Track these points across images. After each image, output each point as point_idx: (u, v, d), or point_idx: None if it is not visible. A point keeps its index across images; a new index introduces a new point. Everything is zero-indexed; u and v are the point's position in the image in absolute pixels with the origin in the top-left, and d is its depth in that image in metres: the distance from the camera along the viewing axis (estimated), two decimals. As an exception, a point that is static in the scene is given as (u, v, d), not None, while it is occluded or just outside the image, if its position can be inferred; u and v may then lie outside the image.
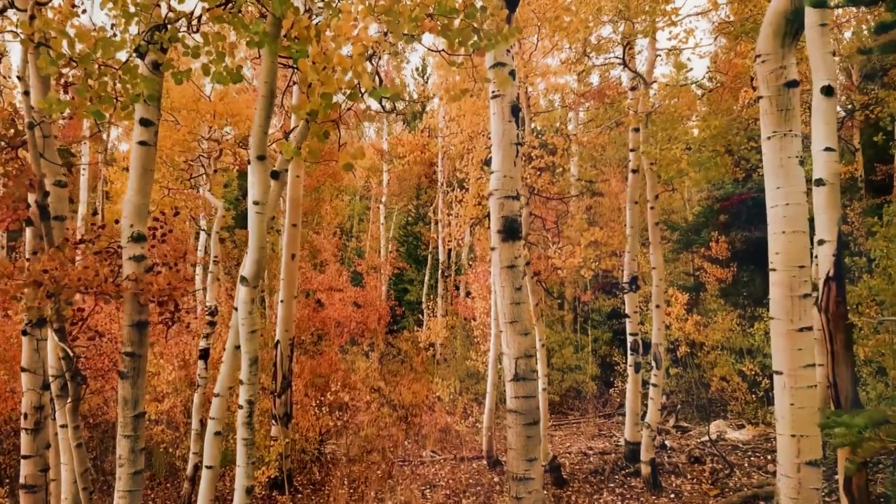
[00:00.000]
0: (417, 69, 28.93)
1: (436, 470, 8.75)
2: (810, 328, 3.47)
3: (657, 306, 7.68)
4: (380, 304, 14.02)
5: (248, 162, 3.41)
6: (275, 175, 3.66)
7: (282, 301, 7.89)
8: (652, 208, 7.63)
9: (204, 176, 7.40)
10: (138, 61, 3.63)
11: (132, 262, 3.68)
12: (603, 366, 14.10)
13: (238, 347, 3.66)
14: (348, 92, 2.75)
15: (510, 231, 4.61)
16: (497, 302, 4.76)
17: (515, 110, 4.84)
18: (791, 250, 3.62)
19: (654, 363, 7.70)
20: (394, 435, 9.82)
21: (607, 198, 15.43)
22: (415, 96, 30.18)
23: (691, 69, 7.80)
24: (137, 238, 3.71)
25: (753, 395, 10.06)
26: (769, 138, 3.72)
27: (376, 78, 3.56)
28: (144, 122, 3.77)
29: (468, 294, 14.84)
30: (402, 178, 20.95)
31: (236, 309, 3.51)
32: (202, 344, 6.95)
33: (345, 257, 18.90)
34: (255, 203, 3.37)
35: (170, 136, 6.67)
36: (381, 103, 3.51)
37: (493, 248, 4.64)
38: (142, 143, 3.77)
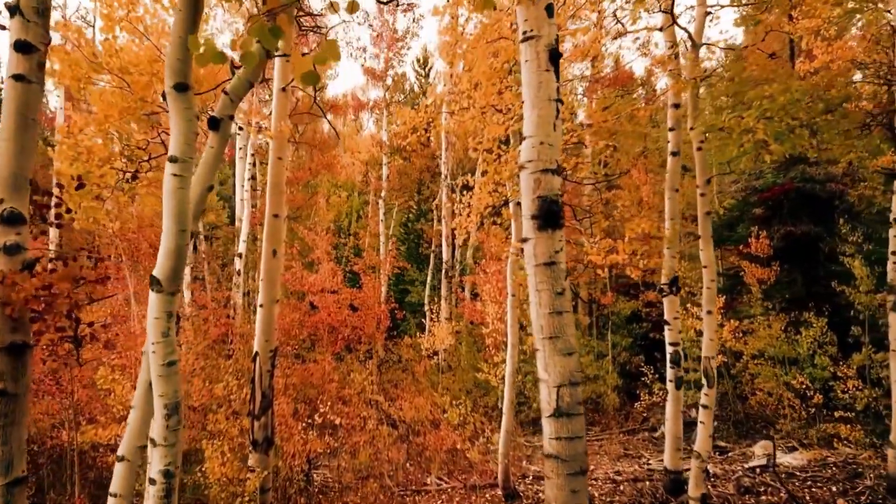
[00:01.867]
0: (418, 60, 27.72)
1: (442, 502, 7.53)
2: None
3: (708, 312, 6.44)
4: (378, 306, 12.79)
5: (163, 96, 2.20)
6: (213, 124, 2.43)
7: (261, 305, 6.65)
8: (702, 195, 6.40)
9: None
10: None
11: (1, 254, 2.46)
12: (622, 374, 12.86)
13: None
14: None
15: (549, 216, 3.39)
16: (531, 311, 3.52)
17: (555, 56, 3.60)
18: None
19: (704, 380, 6.46)
20: (393, 458, 8.58)
21: (626, 191, 14.19)
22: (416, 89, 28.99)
23: (758, 21, 6.54)
24: (10, 219, 2.49)
25: (805, 412, 8.82)
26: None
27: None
28: (21, 47, 2.55)
29: (475, 296, 13.62)
30: (403, 173, 19.72)
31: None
32: (160, 359, 5.72)
33: (340, 256, 17.66)
34: (174, 160, 2.14)
35: (118, 102, 5.43)
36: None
37: (524, 240, 3.43)
38: (18, 77, 2.55)
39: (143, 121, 6.01)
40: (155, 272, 2.14)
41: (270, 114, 7.05)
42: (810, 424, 9.03)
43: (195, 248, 16.04)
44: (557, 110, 3.55)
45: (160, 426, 2.15)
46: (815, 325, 9.37)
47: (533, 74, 3.61)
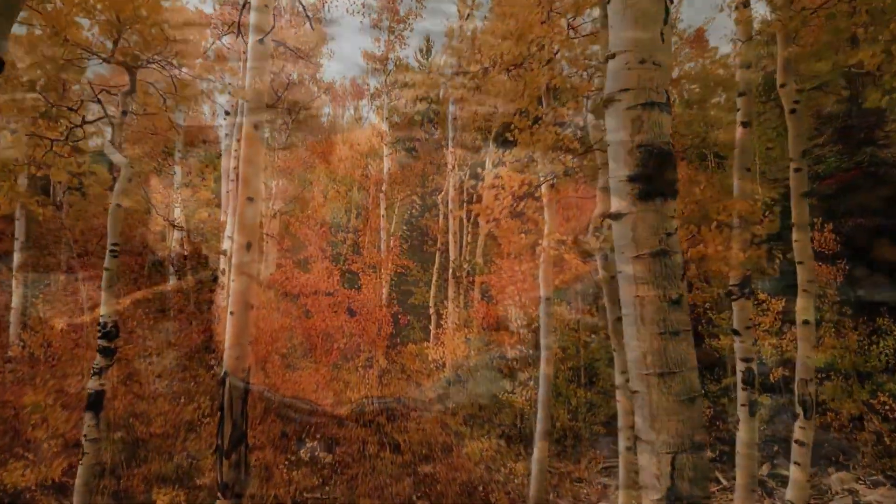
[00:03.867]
0: (421, 50, 26.34)
1: (459, 553, 6.13)
2: None
3: (805, 322, 5.04)
4: (380, 310, 11.39)
5: None
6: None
7: (231, 313, 5.26)
8: (797, 171, 5.00)
9: (106, 120, 4.76)
10: None
11: None
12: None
13: None
14: None
15: (655, 177, 1.94)
16: (625, 330, 2.11)
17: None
18: None
19: (799, 409, 5.07)
20: (398, 493, 7.17)
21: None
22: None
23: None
24: None
25: (888, 438, 7.40)
26: None
27: None
28: None
29: (489, 298, 12.21)
30: (406, 165, 18.30)
31: None
32: (91, 384, 4.31)
33: (337, 254, 16.25)
34: None
35: (34, 43, 4.03)
36: None
37: (614, 216, 1.99)
38: None
39: (77, 71, 4.65)
40: None
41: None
42: (890, 452, 7.62)
43: (182, 247, 14.60)
44: (667, 10, 2.12)
45: None
46: (893, 331, 7.97)
47: (625, -43, 2.15)
